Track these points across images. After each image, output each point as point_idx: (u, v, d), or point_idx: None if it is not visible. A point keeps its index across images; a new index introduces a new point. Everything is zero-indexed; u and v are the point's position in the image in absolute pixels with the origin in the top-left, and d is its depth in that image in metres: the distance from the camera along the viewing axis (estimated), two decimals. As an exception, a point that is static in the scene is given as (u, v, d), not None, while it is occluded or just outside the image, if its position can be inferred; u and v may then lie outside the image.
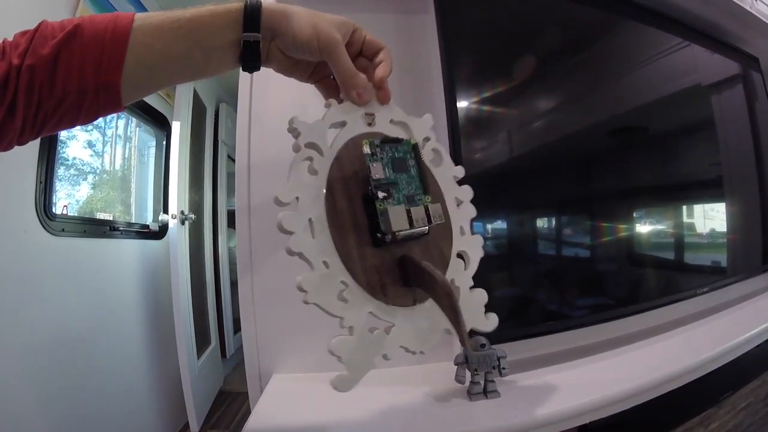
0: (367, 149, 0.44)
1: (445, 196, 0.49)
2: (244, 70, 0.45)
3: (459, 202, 0.51)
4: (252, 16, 0.41)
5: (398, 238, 0.43)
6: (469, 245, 0.50)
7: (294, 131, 0.43)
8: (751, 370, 0.90)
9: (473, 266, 0.50)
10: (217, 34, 0.42)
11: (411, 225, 0.43)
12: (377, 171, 0.43)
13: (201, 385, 2.08)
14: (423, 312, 0.45)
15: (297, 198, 0.41)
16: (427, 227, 0.44)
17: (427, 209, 0.44)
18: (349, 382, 0.41)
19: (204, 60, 0.42)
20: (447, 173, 0.51)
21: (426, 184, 0.46)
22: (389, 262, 0.44)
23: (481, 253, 0.50)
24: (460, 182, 0.52)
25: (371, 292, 0.42)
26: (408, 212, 0.43)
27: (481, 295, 0.50)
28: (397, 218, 0.42)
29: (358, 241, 0.43)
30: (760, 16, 1.17)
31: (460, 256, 0.49)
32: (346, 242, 0.42)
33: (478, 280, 0.50)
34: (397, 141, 0.46)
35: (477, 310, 0.49)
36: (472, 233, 0.51)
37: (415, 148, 0.47)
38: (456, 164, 0.53)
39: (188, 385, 1.82)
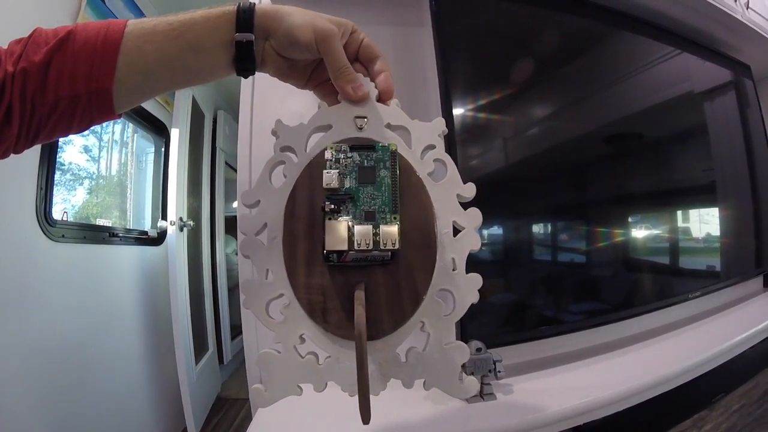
0: (328, 155, 0.40)
1: (439, 218, 0.41)
2: (238, 74, 0.43)
3: (459, 229, 0.41)
4: (245, 17, 0.40)
5: (348, 260, 0.38)
6: (458, 285, 0.40)
7: (275, 134, 0.42)
8: (744, 372, 0.91)
9: (458, 312, 0.40)
10: (209, 35, 0.40)
11: (351, 246, 0.37)
12: (330, 179, 0.39)
13: (199, 391, 2.07)
14: (371, 352, 0.38)
15: (258, 201, 0.40)
16: (389, 253, 0.38)
17: (377, 230, 0.38)
18: (265, 399, 0.38)
19: (196, 63, 0.41)
20: (449, 190, 0.42)
21: (396, 200, 0.39)
22: (339, 285, 0.38)
23: (474, 298, 0.40)
24: (470, 204, 0.42)
25: (310, 313, 0.38)
26: (350, 230, 0.37)
27: (461, 353, 0.40)
28: (334, 236, 0.37)
29: (309, 255, 0.39)
30: (751, 25, 1.19)
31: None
32: (296, 254, 0.39)
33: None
34: (369, 147, 0.41)
35: (450, 371, 0.40)
36: (468, 271, 0.41)
37: (392, 156, 0.40)
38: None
39: (186, 391, 1.82)
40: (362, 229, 0.38)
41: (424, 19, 0.78)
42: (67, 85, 0.37)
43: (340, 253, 0.37)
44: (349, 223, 0.38)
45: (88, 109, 0.39)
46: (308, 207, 0.39)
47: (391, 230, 0.38)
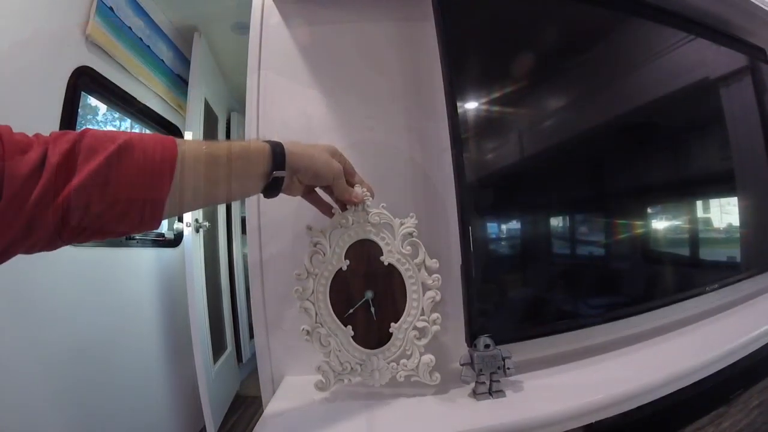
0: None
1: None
2: (265, 197, 0.56)
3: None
4: (280, 157, 0.53)
5: None
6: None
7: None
8: (763, 368, 0.89)
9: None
10: (250, 167, 0.52)
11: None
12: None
13: (217, 389, 2.11)
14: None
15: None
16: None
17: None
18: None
19: (238, 187, 0.52)
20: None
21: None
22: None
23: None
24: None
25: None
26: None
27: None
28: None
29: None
30: (765, 7, 1.15)
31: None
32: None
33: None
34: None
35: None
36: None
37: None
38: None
39: (204, 390, 1.85)
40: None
41: (428, 13, 0.77)
42: (125, 190, 0.41)
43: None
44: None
45: (140, 213, 0.43)
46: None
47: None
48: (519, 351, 0.71)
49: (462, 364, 0.63)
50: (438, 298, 0.65)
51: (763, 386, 0.86)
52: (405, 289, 0.65)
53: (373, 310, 0.65)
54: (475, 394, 0.63)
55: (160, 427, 1.84)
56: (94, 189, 0.39)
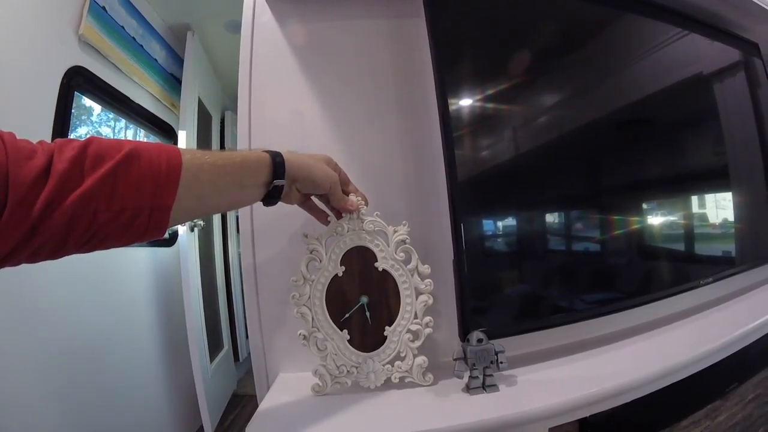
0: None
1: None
2: (265, 205, 0.59)
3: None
4: (280, 167, 0.55)
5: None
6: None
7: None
8: (758, 361, 0.89)
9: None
10: (252, 175, 0.53)
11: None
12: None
13: (214, 388, 2.10)
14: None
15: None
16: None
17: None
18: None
19: (240, 195, 0.54)
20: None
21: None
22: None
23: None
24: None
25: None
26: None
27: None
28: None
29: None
30: (758, 2, 1.15)
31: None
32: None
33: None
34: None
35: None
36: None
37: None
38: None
39: (201, 389, 1.85)
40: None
41: (420, 9, 0.77)
42: (132, 197, 0.41)
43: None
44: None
45: (147, 220, 0.43)
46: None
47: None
48: (512, 345, 0.71)
49: (455, 359, 0.63)
50: (430, 302, 0.67)
51: (759, 380, 0.87)
52: (399, 294, 0.67)
53: (368, 314, 0.67)
54: (468, 388, 0.63)
55: (157, 426, 1.83)
56: (101, 196, 0.39)
